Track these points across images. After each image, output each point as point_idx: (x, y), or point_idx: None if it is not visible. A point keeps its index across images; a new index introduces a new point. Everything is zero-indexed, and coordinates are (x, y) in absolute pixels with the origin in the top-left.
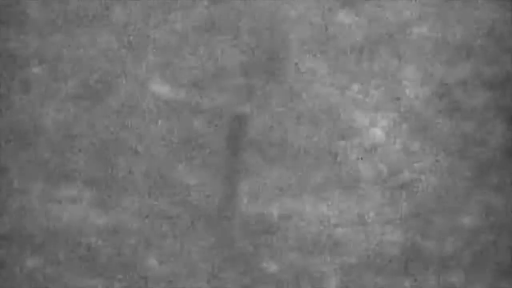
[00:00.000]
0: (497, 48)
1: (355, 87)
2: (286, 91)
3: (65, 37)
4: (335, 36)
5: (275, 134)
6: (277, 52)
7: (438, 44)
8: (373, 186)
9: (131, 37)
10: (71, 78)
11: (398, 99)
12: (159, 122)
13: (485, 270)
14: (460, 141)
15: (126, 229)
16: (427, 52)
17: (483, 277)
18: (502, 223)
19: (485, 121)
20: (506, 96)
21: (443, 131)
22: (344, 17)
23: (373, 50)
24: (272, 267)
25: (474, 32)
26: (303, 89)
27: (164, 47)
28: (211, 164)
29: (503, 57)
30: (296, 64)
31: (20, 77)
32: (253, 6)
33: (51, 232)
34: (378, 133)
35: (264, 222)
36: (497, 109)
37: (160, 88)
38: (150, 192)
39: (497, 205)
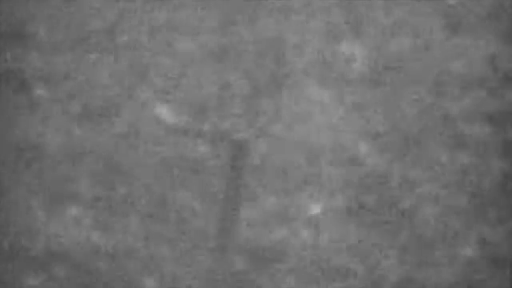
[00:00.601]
0: (499, 80)
1: (357, 115)
2: (287, 118)
3: (69, 59)
4: (338, 64)
5: (276, 161)
6: (280, 79)
7: (440, 75)
8: (373, 214)
9: (136, 61)
10: (75, 100)
11: (399, 129)
12: (161, 146)
13: None
14: (460, 173)
15: (126, 251)
16: (429, 83)
17: None
18: (500, 255)
19: (485, 154)
20: (507, 130)
21: (443, 162)
22: (348, 45)
23: (376, 79)
24: None
25: (476, 64)
26: (304, 116)
27: (168, 71)
28: (211, 189)
29: (506, 90)
30: (299, 91)
31: (24, 98)
32: (257, 32)
33: (53, 252)
34: (378, 162)
35: (263, 248)
36: (497, 142)
37: (163, 112)
38: (151, 215)
39: (495, 238)
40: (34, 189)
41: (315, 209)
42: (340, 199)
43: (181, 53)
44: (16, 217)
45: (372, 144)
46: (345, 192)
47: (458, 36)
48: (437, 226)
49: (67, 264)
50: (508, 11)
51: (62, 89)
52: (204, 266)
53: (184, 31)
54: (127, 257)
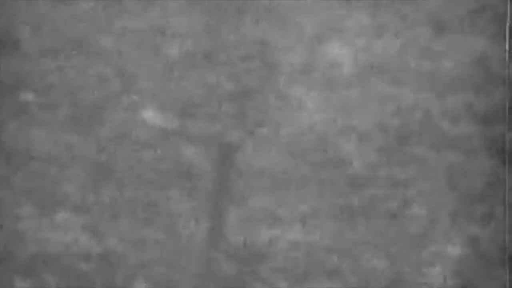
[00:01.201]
0: (486, 79)
1: (343, 117)
2: (274, 120)
3: (56, 64)
4: (323, 66)
5: (263, 162)
6: (266, 81)
7: (427, 75)
8: (360, 215)
9: (123, 65)
10: (62, 105)
11: (385, 129)
12: (150, 149)
13: None
14: (447, 172)
15: (115, 255)
16: (414, 83)
17: None
18: (489, 254)
19: (472, 153)
20: (494, 129)
21: (430, 162)
22: (333, 47)
23: (361, 81)
24: None
25: (464, 63)
26: (291, 118)
27: (155, 75)
28: (199, 192)
29: (492, 89)
30: (285, 93)
31: (11, 104)
32: (242, 35)
33: (42, 257)
34: (365, 163)
35: (252, 250)
36: (485, 141)
37: (151, 116)
38: (140, 219)
39: (484, 236)
40: (23, 194)
41: (303, 209)
42: (328, 199)
43: (168, 57)
44: (5, 221)
45: (359, 145)
46: (333, 193)
47: (444, 36)
48: (425, 226)
49: (56, 268)
50: (495, 10)
51: (49, 94)
52: (194, 268)
53: (171, 35)
54: (117, 261)
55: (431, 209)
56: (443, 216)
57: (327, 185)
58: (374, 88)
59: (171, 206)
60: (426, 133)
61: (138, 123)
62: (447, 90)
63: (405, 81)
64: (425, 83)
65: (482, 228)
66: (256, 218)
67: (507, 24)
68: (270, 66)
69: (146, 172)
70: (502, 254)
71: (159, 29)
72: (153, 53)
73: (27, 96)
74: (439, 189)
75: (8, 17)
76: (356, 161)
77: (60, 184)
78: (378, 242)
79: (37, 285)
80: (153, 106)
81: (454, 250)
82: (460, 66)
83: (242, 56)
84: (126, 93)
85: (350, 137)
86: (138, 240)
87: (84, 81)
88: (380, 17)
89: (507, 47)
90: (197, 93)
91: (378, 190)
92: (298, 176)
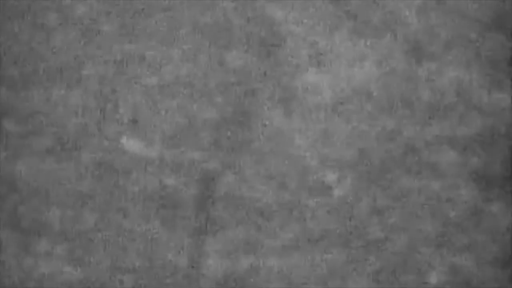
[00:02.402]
0: (465, 107)
1: (323, 145)
2: (254, 149)
3: (37, 93)
4: (304, 94)
5: (244, 191)
6: (246, 109)
7: (407, 104)
8: (341, 244)
9: (103, 94)
10: (43, 134)
11: (367, 158)
12: (130, 178)
13: None
14: (428, 201)
15: (95, 283)
16: (396, 112)
17: None
18: (469, 282)
19: (453, 182)
20: (475, 157)
21: (411, 191)
22: (314, 76)
23: (341, 108)
24: None
25: (444, 93)
26: (271, 146)
27: (135, 103)
28: (180, 220)
29: (471, 117)
30: (265, 121)
31: None
32: (221, 62)
33: (23, 285)
34: (346, 191)
35: (232, 279)
36: (465, 170)
37: (132, 144)
38: (120, 248)
39: (465, 265)
40: (5, 223)
41: (283, 238)
42: (308, 229)
43: (148, 86)
44: None
45: (339, 174)
46: (313, 222)
47: (422, 63)
48: (406, 255)
49: None
50: (472, 37)
51: (30, 123)
52: None
53: (151, 64)
54: None
55: (412, 239)
56: (424, 246)
57: (308, 214)
58: (354, 115)
59: (151, 235)
60: (406, 161)
61: (119, 152)
62: (426, 118)
63: (385, 109)
64: (405, 111)
65: (463, 257)
66: (236, 246)
67: None
68: (251, 94)
69: (127, 200)
70: (482, 283)
71: (139, 57)
72: (133, 81)
73: (8, 126)
74: (420, 218)
75: None
76: (336, 189)
77: (42, 212)
78: (359, 272)
79: None
80: (134, 135)
81: (436, 279)
82: (438, 93)
83: (223, 84)
84: (107, 122)
85: (330, 165)
86: (118, 269)
87: (66, 110)
88: (360, 44)
89: None
90: (178, 121)
91: (359, 219)
92: (278, 205)
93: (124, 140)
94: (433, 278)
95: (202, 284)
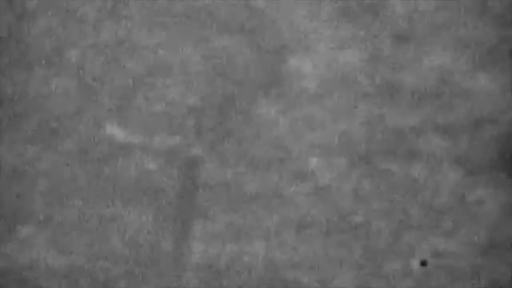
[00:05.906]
0: (450, 93)
1: (307, 130)
2: (238, 135)
3: (20, 79)
4: (287, 80)
5: (227, 177)
6: (230, 95)
7: (391, 89)
8: (325, 229)
9: (86, 80)
10: (26, 120)
11: (350, 143)
12: (113, 164)
13: None
14: (412, 186)
15: (78, 271)
16: (380, 97)
17: None
18: (454, 267)
19: (437, 166)
20: (459, 142)
21: (395, 175)
22: (297, 61)
23: (325, 94)
24: None
25: (428, 78)
26: (255, 132)
27: (118, 89)
28: (163, 207)
29: (456, 102)
30: (248, 107)
31: None
32: (204, 49)
33: (6, 272)
34: (330, 177)
35: (216, 265)
36: (449, 155)
37: (115, 131)
38: (103, 234)
39: (449, 250)
40: None
41: (268, 223)
42: (292, 213)
43: (130, 71)
44: None
45: (323, 158)
46: (297, 207)
47: (408, 48)
48: (390, 239)
49: (22, 284)
50: (459, 22)
51: (13, 109)
52: (159, 282)
53: (131, 49)
54: (81, 276)
55: (396, 223)
56: (407, 230)
57: (292, 199)
58: (337, 101)
59: (134, 222)
60: (390, 146)
61: (101, 138)
62: (411, 103)
63: (369, 94)
64: (390, 97)
65: (447, 241)
66: (220, 232)
67: None
68: (233, 80)
69: (110, 187)
70: (468, 266)
71: (121, 43)
72: (115, 67)
73: None
74: (404, 202)
75: None
76: (320, 174)
77: (25, 198)
78: (343, 256)
79: None
80: (117, 121)
81: (419, 263)
82: (423, 78)
83: (205, 70)
84: (90, 108)
85: (314, 151)
86: (102, 255)
87: (49, 95)
88: (344, 29)
89: None
90: (160, 107)
91: (342, 203)
92: (262, 190)
93: (107, 126)
94: (416, 263)
95: (185, 271)
